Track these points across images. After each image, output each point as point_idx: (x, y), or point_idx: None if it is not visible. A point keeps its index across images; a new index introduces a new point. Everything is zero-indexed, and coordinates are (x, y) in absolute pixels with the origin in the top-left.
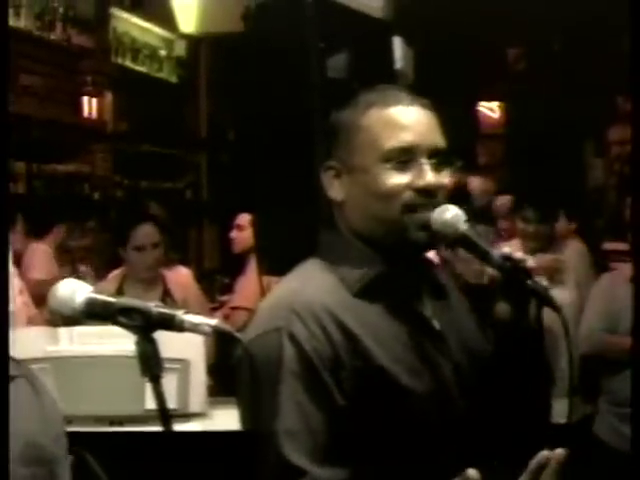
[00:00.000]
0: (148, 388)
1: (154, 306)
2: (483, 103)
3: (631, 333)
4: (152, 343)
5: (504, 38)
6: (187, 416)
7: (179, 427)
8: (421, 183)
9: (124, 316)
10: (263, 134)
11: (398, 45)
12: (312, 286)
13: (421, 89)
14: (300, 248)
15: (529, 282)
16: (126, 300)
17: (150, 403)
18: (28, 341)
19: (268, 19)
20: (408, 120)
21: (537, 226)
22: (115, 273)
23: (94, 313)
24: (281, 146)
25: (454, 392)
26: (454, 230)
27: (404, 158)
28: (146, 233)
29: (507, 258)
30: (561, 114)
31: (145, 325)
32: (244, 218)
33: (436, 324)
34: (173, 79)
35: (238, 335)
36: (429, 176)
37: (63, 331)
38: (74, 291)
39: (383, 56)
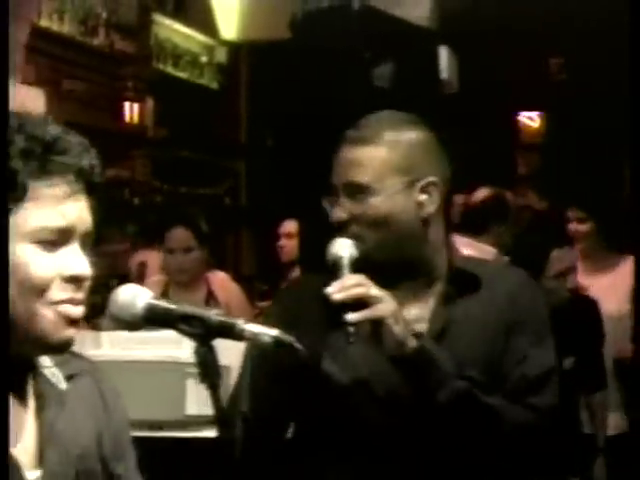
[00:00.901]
0: (189, 393)
1: (214, 314)
2: (523, 112)
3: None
4: (211, 351)
5: (546, 48)
6: None
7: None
8: (333, 219)
9: (184, 323)
10: (305, 141)
11: (444, 54)
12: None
13: (464, 99)
14: None
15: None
16: (187, 307)
17: (190, 408)
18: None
19: (315, 27)
20: (335, 161)
21: (589, 225)
22: (154, 279)
23: (154, 319)
24: (323, 154)
25: (380, 397)
26: (335, 257)
27: (333, 196)
28: (177, 237)
29: None
30: (601, 125)
31: (205, 333)
32: (291, 225)
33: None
34: (214, 85)
35: (299, 345)
36: (333, 213)
37: (105, 335)
38: (135, 296)
39: (428, 65)
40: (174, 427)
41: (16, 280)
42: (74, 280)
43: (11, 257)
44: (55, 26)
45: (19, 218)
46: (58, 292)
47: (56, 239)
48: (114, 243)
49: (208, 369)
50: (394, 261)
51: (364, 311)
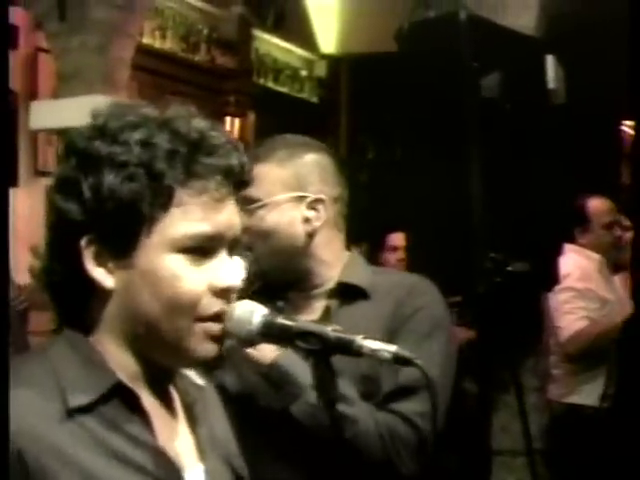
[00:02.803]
0: None
1: (331, 330)
2: (626, 122)
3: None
4: (329, 367)
5: None
6: None
7: None
8: None
9: (301, 340)
10: (407, 154)
11: (551, 64)
12: None
13: (572, 109)
14: (453, 269)
15: None
16: (303, 324)
17: None
18: None
19: (422, 38)
20: None
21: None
22: None
23: (270, 335)
24: (432, 165)
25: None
26: None
27: None
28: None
29: None
30: None
31: (322, 349)
32: (399, 238)
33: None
34: (314, 99)
35: (418, 361)
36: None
37: None
38: (252, 312)
39: (536, 76)
40: None
41: (161, 294)
42: (224, 293)
43: (154, 268)
44: (157, 43)
45: (165, 226)
46: (209, 307)
47: (205, 247)
48: None
49: (325, 385)
50: (281, 271)
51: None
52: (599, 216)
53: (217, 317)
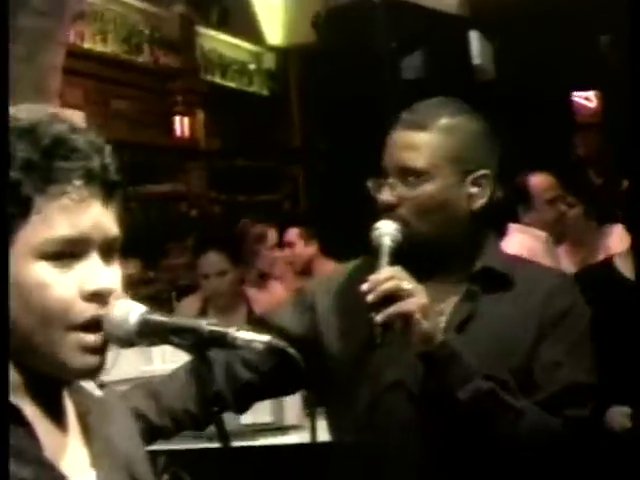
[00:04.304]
0: None
1: (206, 324)
2: (578, 93)
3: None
4: (206, 362)
5: (595, 25)
6: (283, 429)
7: (275, 440)
8: (382, 200)
9: (176, 336)
10: (348, 142)
11: (475, 40)
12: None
13: (506, 84)
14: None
15: None
16: (178, 320)
17: (245, 418)
18: (123, 361)
19: (338, 24)
20: (389, 143)
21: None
22: (190, 300)
23: (147, 334)
24: (364, 153)
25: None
26: (377, 243)
27: (381, 178)
28: (210, 261)
29: None
30: None
31: (198, 344)
32: (295, 234)
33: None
34: (264, 92)
35: (292, 351)
36: (382, 194)
37: (156, 350)
38: (128, 312)
39: (460, 53)
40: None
41: (31, 304)
42: (96, 297)
43: (21, 278)
44: (99, 47)
45: (27, 234)
46: (81, 313)
47: (68, 252)
48: (175, 257)
49: (202, 381)
50: (434, 251)
51: (392, 307)
52: (542, 192)
53: (91, 325)
